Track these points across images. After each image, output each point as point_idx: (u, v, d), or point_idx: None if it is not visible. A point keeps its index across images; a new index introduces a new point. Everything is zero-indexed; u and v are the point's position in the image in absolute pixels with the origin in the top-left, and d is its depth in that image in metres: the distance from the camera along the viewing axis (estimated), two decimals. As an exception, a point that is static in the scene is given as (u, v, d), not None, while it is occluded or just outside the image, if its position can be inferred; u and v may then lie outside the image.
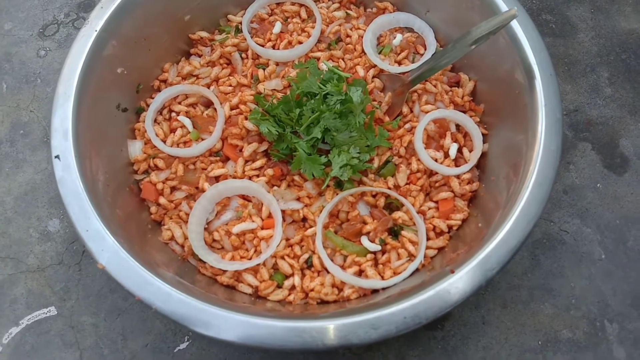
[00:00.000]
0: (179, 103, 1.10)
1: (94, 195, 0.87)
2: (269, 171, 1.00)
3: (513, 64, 0.98)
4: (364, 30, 1.15)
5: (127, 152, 1.04)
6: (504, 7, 0.98)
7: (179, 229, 0.98)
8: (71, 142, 0.88)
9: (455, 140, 1.05)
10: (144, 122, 1.06)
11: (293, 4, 1.20)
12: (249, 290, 0.94)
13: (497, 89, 1.05)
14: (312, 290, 0.93)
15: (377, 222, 0.97)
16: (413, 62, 1.14)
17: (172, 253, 0.97)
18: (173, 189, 1.03)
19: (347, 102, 0.99)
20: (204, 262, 0.95)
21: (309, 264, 0.96)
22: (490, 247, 0.81)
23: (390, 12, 1.19)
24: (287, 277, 0.95)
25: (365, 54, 1.12)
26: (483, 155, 1.03)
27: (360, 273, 0.94)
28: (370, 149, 1.01)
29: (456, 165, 1.03)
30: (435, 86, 1.09)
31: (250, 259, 0.96)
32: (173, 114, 1.09)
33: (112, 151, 1.00)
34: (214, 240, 0.98)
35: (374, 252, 0.95)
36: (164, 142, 1.05)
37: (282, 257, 0.95)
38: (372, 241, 0.96)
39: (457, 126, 1.07)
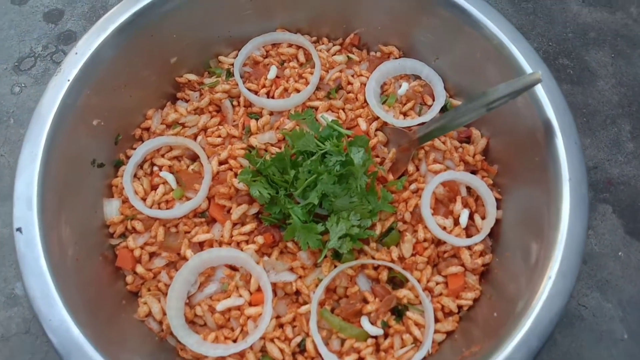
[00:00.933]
0: (162, 156, 0.99)
1: (60, 276, 0.76)
2: (259, 239, 0.90)
3: (533, 124, 0.88)
4: (367, 78, 1.05)
5: (102, 212, 0.94)
6: (524, 65, 0.88)
7: (157, 304, 0.88)
8: (35, 213, 0.78)
9: (466, 205, 0.95)
10: (123, 177, 0.95)
11: (290, 45, 1.10)
12: (234, 378, 0.84)
13: (513, 148, 0.96)
14: (304, 380, 0.83)
15: (379, 302, 0.87)
16: (420, 114, 1.04)
17: (148, 331, 0.87)
18: (152, 255, 0.92)
19: (347, 164, 0.89)
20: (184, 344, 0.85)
21: (301, 348, 0.85)
22: (508, 350, 0.71)
23: (396, 58, 1.09)
24: (277, 361, 0.85)
25: (367, 104, 1.03)
26: (497, 222, 0.94)
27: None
28: (372, 214, 0.91)
29: (467, 234, 0.93)
30: (444, 143, 0.99)
31: (235, 340, 0.86)
32: (155, 168, 0.99)
33: (84, 214, 0.90)
34: (196, 315, 0.88)
35: (375, 336, 0.85)
36: (144, 200, 0.95)
37: (272, 340, 0.85)
38: (374, 323, 0.86)
39: (468, 188, 0.97)
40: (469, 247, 0.92)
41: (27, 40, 1.25)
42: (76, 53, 0.90)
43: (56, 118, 0.84)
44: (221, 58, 1.09)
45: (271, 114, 1.03)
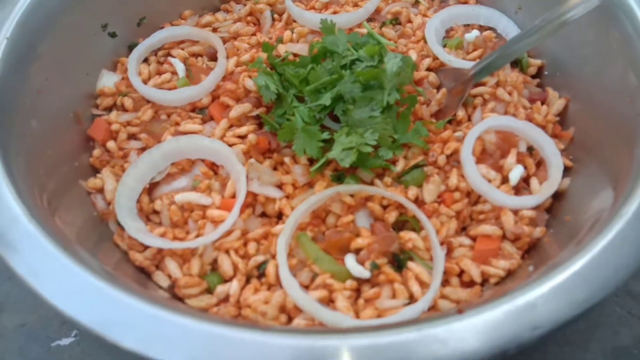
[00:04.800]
0: (182, 49, 0.88)
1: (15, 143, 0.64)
2: (252, 137, 0.73)
3: (625, 74, 0.67)
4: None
5: (94, 78, 0.83)
6: None
7: (113, 182, 0.73)
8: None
9: (521, 162, 0.72)
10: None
11: (354, -24, 0.98)
12: (165, 284, 0.65)
13: (597, 114, 0.73)
14: (248, 306, 0.61)
15: (375, 238, 0.65)
16: (487, 64, 0.85)
17: (89, 210, 0.71)
18: (130, 136, 0.79)
19: (377, 71, 0.71)
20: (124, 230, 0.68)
21: (260, 272, 0.65)
22: (539, 290, 0.46)
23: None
24: (225, 281, 0.65)
25: (425, 42, 0.86)
26: (559, 197, 0.70)
27: (328, 302, 0.61)
28: (396, 146, 0.71)
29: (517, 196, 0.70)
30: (509, 93, 0.79)
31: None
32: (169, 59, 0.87)
33: (74, 68, 0.79)
34: (154, 211, 0.71)
35: (358, 280, 0.63)
36: (145, 83, 0.83)
37: (227, 251, 0.66)
38: (361, 263, 0.63)
39: (530, 149, 0.74)
40: (515, 212, 0.68)
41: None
42: None
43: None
44: (279, -22, 1.00)
45: (312, 32, 0.89)
